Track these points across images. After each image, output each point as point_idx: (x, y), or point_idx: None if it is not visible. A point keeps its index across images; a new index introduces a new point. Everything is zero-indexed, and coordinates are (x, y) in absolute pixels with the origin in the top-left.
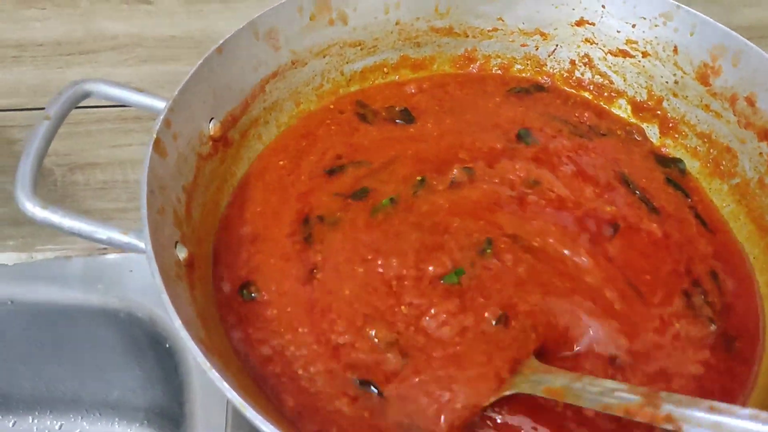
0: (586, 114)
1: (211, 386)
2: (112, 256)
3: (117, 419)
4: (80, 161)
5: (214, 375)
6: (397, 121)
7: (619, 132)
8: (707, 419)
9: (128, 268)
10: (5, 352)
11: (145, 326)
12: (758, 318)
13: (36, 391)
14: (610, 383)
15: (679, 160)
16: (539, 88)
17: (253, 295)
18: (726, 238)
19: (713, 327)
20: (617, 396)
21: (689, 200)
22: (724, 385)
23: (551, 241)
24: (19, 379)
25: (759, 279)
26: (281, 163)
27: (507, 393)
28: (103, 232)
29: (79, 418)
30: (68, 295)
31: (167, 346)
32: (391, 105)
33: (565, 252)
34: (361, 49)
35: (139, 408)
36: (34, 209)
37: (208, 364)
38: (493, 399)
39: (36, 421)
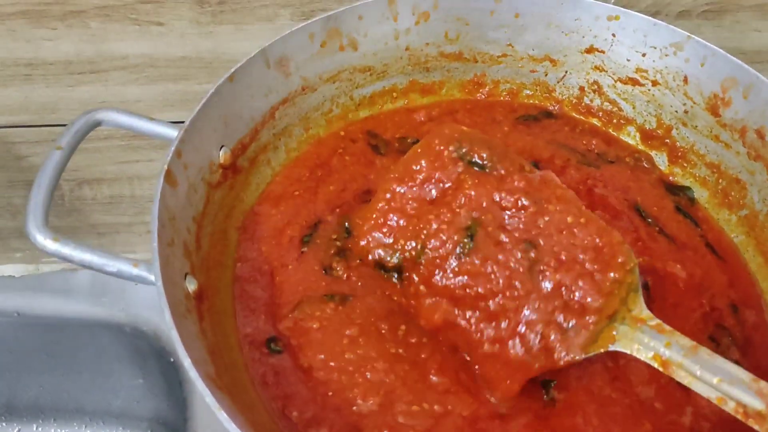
0: (594, 141)
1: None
2: None
3: (120, 428)
4: (88, 176)
5: (223, 416)
6: None
7: (627, 159)
8: None
9: (134, 282)
10: (11, 362)
11: (150, 340)
12: None
13: (40, 400)
14: (729, 366)
15: (688, 188)
16: (548, 114)
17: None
18: (737, 264)
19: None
20: (737, 387)
21: (699, 229)
22: None
23: None
24: (24, 388)
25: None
26: (296, 193)
27: (608, 349)
28: (113, 265)
29: (83, 426)
30: (74, 307)
31: (171, 360)
32: (403, 136)
33: None
34: (371, 74)
35: (143, 418)
36: (45, 242)
37: (217, 405)
38: (591, 353)
39: (40, 429)
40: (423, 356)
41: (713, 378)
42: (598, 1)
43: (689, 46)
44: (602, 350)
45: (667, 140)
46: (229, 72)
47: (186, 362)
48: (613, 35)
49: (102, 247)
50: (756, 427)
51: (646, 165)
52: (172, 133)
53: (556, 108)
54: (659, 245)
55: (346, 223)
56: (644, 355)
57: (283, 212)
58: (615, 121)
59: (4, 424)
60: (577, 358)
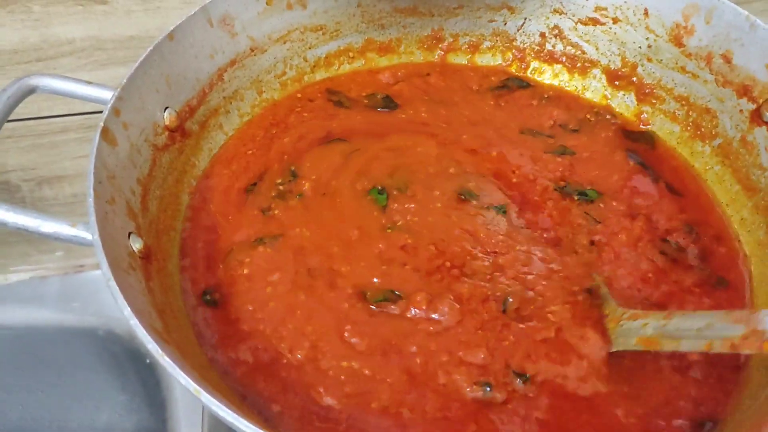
0: (555, 112)
1: (190, 399)
2: (87, 274)
3: None
4: (47, 174)
5: (167, 362)
6: (379, 108)
7: (589, 117)
8: None
9: (104, 285)
10: None
11: (124, 342)
12: (740, 268)
13: (23, 422)
14: (704, 316)
15: (648, 133)
16: (520, 84)
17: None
18: (699, 196)
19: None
20: (717, 329)
21: (649, 171)
22: None
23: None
24: (3, 408)
25: (745, 239)
26: (249, 152)
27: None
28: (48, 225)
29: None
30: (45, 315)
31: (147, 361)
32: (371, 93)
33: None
34: (323, 34)
35: (122, 424)
36: None
37: (160, 351)
38: None
39: None
40: (345, 306)
41: (693, 331)
42: None
43: None
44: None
45: (634, 78)
46: (168, 30)
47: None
48: None
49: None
50: (747, 351)
51: (608, 117)
52: (111, 95)
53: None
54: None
55: (293, 167)
56: (629, 344)
57: (234, 171)
58: (579, 65)
59: None
60: None
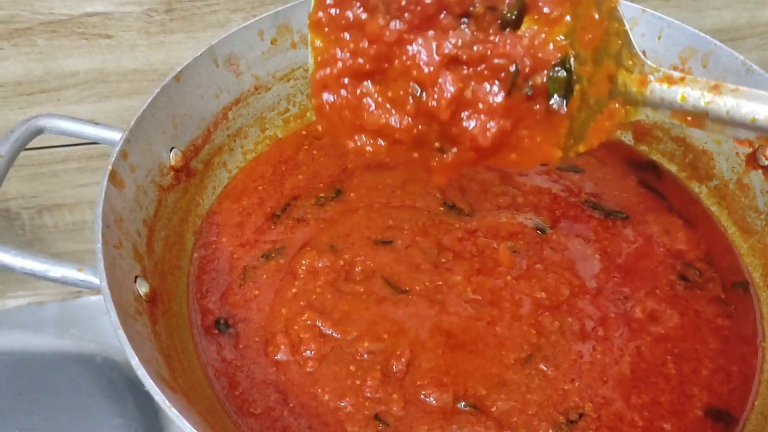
0: None
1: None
2: (85, 300)
3: None
4: (47, 203)
5: (173, 413)
6: None
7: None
8: None
9: (102, 311)
10: None
11: (122, 369)
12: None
13: None
14: (754, 94)
15: (654, 163)
16: None
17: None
18: (712, 230)
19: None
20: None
21: (666, 201)
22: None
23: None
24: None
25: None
26: (260, 188)
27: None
28: (56, 270)
29: None
30: (43, 341)
31: (146, 388)
32: None
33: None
34: None
35: None
36: None
37: (167, 402)
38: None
39: None
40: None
41: (747, 115)
42: None
43: (644, 19)
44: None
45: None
46: (175, 71)
47: (133, 361)
48: None
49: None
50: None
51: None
52: (118, 136)
53: None
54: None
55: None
56: (661, 117)
57: (245, 206)
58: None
59: None
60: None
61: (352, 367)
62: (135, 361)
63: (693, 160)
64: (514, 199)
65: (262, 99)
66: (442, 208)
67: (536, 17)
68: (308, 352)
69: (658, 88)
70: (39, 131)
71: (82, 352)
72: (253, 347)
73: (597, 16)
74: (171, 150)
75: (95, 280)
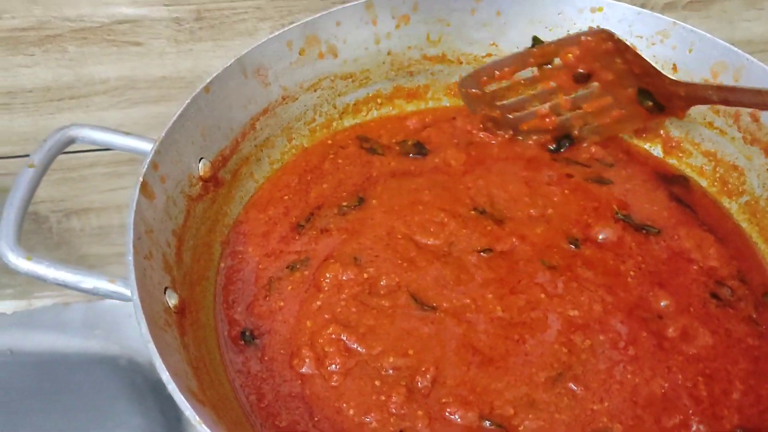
0: (593, 149)
1: None
2: (110, 302)
3: None
4: (75, 207)
5: (203, 429)
6: (411, 155)
7: (622, 156)
8: None
9: (128, 313)
10: (6, 403)
11: (145, 372)
12: None
13: None
14: None
15: (684, 177)
16: None
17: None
18: (743, 246)
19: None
20: None
21: (696, 214)
22: None
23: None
24: (20, 429)
25: None
26: (286, 197)
27: None
28: (88, 281)
29: None
30: (68, 342)
31: (168, 392)
32: (403, 139)
33: None
34: (353, 81)
35: None
36: (18, 261)
37: (197, 418)
38: None
39: None
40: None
41: None
42: None
43: (675, 32)
44: None
45: (661, 131)
46: (205, 83)
47: (164, 375)
48: (598, 27)
49: None
50: None
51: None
52: (149, 146)
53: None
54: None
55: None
56: None
57: (271, 216)
58: None
59: None
60: None
61: (377, 383)
62: (165, 376)
63: (723, 175)
64: (544, 210)
65: (289, 109)
66: (472, 212)
67: None
68: (333, 366)
69: None
70: (71, 141)
71: (107, 354)
72: (279, 359)
73: None
74: (200, 160)
75: (126, 292)
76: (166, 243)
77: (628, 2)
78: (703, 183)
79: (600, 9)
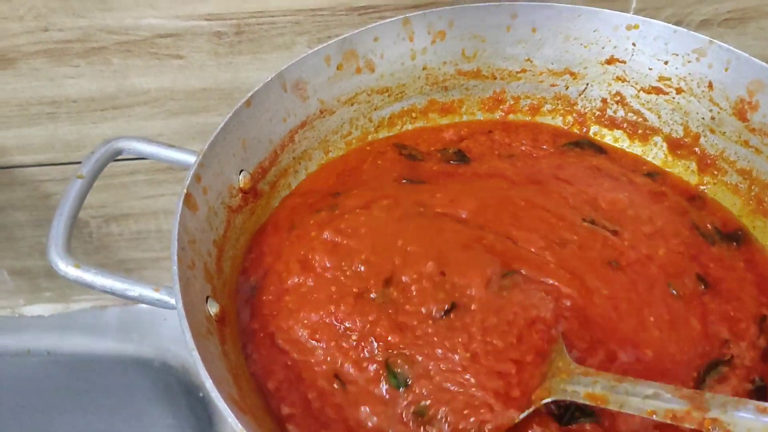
0: (643, 167)
1: None
2: (145, 306)
3: None
4: (115, 212)
5: None
6: (453, 162)
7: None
8: (755, 421)
9: (162, 317)
10: (42, 402)
11: (178, 375)
12: None
13: None
14: (653, 386)
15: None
16: (587, 144)
17: None
18: None
19: None
20: (662, 400)
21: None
22: None
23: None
24: (58, 429)
25: None
26: (309, 200)
27: (544, 402)
28: (135, 290)
29: None
30: (103, 344)
31: (201, 395)
32: (443, 147)
33: None
34: (389, 95)
35: None
36: (67, 268)
37: (240, 427)
38: (524, 415)
39: None
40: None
41: (640, 398)
42: (616, 11)
43: (712, 51)
44: (540, 404)
45: (696, 149)
46: (246, 96)
47: (208, 383)
48: (634, 44)
49: None
50: (687, 425)
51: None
52: (191, 159)
53: (583, 131)
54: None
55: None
56: (578, 397)
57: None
58: (640, 131)
59: None
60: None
61: None
62: (209, 384)
63: (759, 194)
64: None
65: (326, 122)
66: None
67: None
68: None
69: (577, 378)
70: (118, 152)
71: (141, 356)
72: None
73: None
74: (240, 172)
75: (170, 300)
76: (207, 253)
77: (664, 18)
78: (738, 201)
79: (636, 26)
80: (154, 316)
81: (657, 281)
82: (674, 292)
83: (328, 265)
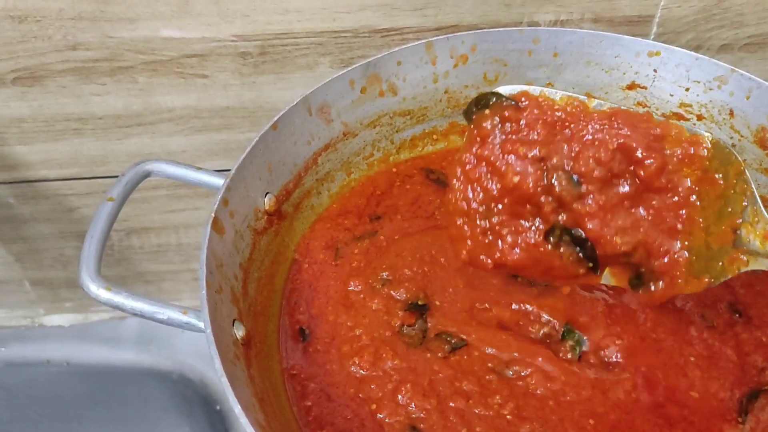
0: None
1: None
2: None
3: None
4: (136, 226)
5: None
6: None
7: None
8: None
9: (180, 330)
10: (60, 411)
11: (196, 388)
12: None
13: None
14: None
15: None
16: None
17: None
18: None
19: None
20: None
21: None
22: None
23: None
24: None
25: None
26: (345, 222)
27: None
28: (163, 313)
29: None
30: (122, 356)
31: (218, 408)
32: None
33: None
34: (411, 118)
35: None
36: (98, 291)
37: None
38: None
39: None
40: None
41: None
42: (638, 38)
43: (733, 79)
44: (734, 274)
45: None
46: (273, 120)
47: (236, 409)
48: (655, 71)
49: (148, 294)
50: None
51: None
52: (218, 181)
53: None
54: None
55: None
56: None
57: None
58: None
59: None
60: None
61: None
62: (238, 409)
63: None
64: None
65: (349, 144)
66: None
67: None
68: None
69: None
70: (146, 175)
71: (159, 368)
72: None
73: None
74: (266, 195)
75: (198, 323)
76: (233, 276)
77: (684, 43)
78: None
79: (658, 53)
80: (172, 328)
81: (693, 313)
82: (710, 323)
83: None
